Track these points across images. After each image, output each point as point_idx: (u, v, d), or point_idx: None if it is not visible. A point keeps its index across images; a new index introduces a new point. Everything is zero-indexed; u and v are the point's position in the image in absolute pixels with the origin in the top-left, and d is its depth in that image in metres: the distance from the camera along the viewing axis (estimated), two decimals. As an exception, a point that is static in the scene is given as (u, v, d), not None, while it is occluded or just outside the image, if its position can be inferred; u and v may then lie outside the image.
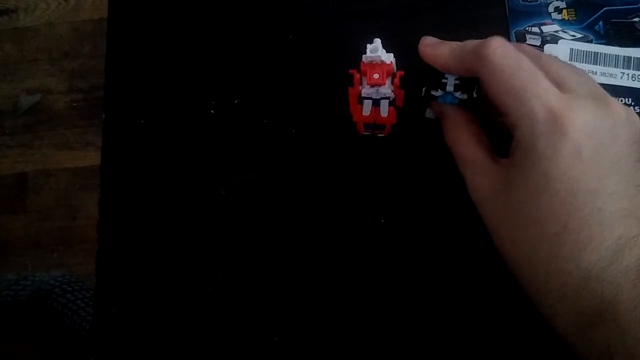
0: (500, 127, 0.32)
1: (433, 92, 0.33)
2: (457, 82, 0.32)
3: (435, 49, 0.32)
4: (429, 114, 0.36)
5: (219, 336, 0.35)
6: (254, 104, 0.39)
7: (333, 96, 0.37)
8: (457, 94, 0.32)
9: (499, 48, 0.29)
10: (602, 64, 0.37)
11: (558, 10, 0.39)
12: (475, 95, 0.32)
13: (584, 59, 0.38)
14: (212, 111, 0.39)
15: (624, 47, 0.38)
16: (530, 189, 0.27)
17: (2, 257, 1.13)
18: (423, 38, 0.33)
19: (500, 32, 0.39)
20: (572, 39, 0.38)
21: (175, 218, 0.37)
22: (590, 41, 0.38)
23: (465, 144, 0.32)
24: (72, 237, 1.14)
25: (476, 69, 0.30)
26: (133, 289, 0.36)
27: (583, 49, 0.38)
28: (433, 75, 0.33)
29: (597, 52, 0.38)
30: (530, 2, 0.39)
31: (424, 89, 0.34)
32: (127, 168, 0.39)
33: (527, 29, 0.38)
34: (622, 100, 0.37)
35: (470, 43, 0.30)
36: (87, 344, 0.70)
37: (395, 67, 0.33)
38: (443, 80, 0.32)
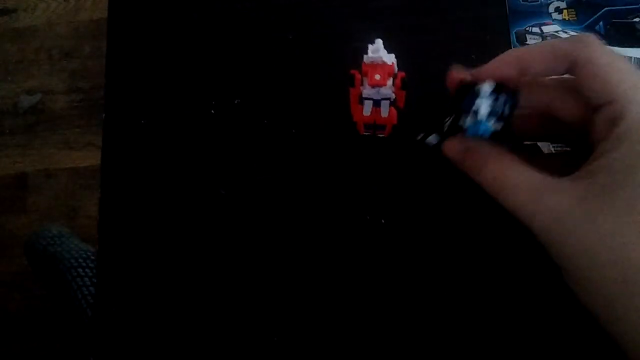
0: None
1: (461, 123, 0.29)
2: (491, 105, 0.28)
3: (514, 50, 0.29)
4: (432, 139, 0.32)
5: (219, 336, 0.35)
6: (254, 104, 0.39)
7: (333, 96, 0.37)
8: (492, 123, 0.28)
9: (597, 42, 0.27)
10: (603, 64, 0.37)
11: (558, 10, 0.39)
12: (509, 121, 0.28)
13: (585, 59, 0.38)
14: (212, 111, 0.39)
15: (624, 47, 0.38)
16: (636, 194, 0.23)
17: (2, 257, 1.13)
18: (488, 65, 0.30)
19: (500, 32, 0.39)
20: (572, 39, 0.38)
21: (176, 218, 0.37)
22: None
23: (512, 168, 0.28)
24: (72, 237, 1.14)
25: (576, 58, 0.27)
26: (133, 289, 0.36)
27: (583, 49, 0.38)
28: (462, 99, 0.29)
29: (598, 53, 0.38)
30: (530, 2, 0.39)
31: (447, 120, 0.30)
32: (127, 168, 0.39)
33: (527, 29, 0.38)
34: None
35: (563, 40, 0.29)
36: (84, 318, 0.72)
37: (396, 68, 0.33)
38: (473, 109, 0.28)
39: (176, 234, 0.37)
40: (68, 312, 0.77)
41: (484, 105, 0.28)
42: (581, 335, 0.32)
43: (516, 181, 0.27)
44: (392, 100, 0.33)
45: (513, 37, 0.38)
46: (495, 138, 0.29)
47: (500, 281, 0.34)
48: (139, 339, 0.36)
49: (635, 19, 0.38)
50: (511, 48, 0.38)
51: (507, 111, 0.28)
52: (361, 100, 0.33)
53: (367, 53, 0.31)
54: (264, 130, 0.38)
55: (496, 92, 0.28)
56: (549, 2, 0.39)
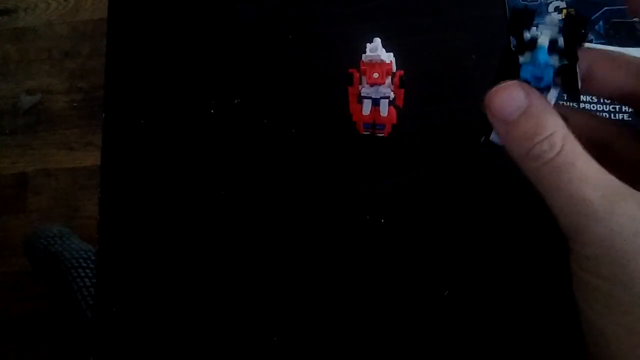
0: None
1: (521, 58, 0.24)
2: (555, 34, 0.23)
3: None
4: (494, 135, 0.25)
5: (219, 336, 0.35)
6: (254, 103, 0.39)
7: (333, 96, 0.37)
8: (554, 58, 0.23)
9: None
10: (602, 64, 0.37)
11: (558, 10, 0.39)
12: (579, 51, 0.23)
13: (584, 59, 0.38)
14: (212, 111, 0.39)
15: (624, 47, 0.38)
16: None
17: (2, 257, 1.13)
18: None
19: (500, 32, 0.39)
20: (572, 39, 0.38)
21: (175, 218, 0.37)
22: (591, 41, 0.38)
23: (583, 157, 0.22)
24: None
25: None
26: (133, 289, 0.36)
27: (583, 49, 0.38)
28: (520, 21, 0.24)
29: (597, 52, 0.38)
30: (530, 2, 0.39)
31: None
32: (127, 168, 0.39)
33: (527, 28, 0.38)
34: (622, 100, 0.37)
35: None
36: (84, 320, 0.73)
37: (394, 67, 0.33)
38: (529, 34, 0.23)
39: (176, 234, 0.37)
40: (68, 312, 0.77)
41: (545, 33, 0.23)
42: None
43: (586, 172, 0.22)
44: (391, 99, 0.33)
45: (513, 37, 0.38)
46: (563, 78, 0.23)
47: (500, 281, 0.34)
48: (139, 339, 0.36)
49: (635, 19, 0.38)
50: (511, 48, 0.38)
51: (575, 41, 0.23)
52: (360, 99, 0.33)
53: (365, 52, 0.32)
54: (263, 130, 0.38)
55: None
56: (548, 1, 0.39)
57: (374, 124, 0.35)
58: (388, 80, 0.32)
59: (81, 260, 0.81)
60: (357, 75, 0.33)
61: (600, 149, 0.25)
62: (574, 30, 0.23)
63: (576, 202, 0.21)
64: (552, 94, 0.24)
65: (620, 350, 0.22)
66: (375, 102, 0.33)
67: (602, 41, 0.38)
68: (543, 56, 0.22)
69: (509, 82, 0.23)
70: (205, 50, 0.40)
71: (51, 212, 1.15)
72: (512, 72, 0.24)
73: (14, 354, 1.08)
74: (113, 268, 0.37)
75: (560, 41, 0.23)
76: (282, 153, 0.38)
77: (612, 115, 0.37)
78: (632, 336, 0.21)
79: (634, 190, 0.21)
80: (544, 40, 0.23)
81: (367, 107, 0.34)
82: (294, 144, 0.38)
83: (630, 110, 0.37)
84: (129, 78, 0.41)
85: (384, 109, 0.34)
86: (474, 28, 0.39)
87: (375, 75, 0.31)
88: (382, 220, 0.36)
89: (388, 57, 0.32)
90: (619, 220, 0.21)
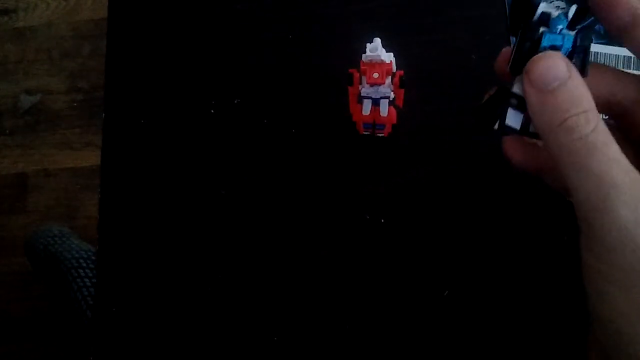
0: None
1: (542, 30, 0.23)
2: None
3: None
4: (511, 119, 0.24)
5: (219, 336, 0.35)
6: (254, 103, 0.39)
7: (333, 96, 0.37)
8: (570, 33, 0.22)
9: None
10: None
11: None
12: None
13: (584, 59, 0.38)
14: (212, 111, 0.39)
15: (624, 46, 0.38)
16: None
17: (2, 257, 1.13)
18: None
19: (500, 32, 0.39)
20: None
21: (175, 218, 0.37)
22: (591, 41, 0.38)
23: (614, 142, 0.21)
24: (72, 237, 1.14)
25: None
26: (133, 289, 0.36)
27: (583, 49, 0.38)
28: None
29: (597, 52, 0.38)
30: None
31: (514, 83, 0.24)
32: (127, 168, 0.39)
33: (527, 28, 0.38)
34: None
35: None
36: (84, 319, 0.73)
37: (394, 67, 0.33)
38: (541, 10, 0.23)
39: (176, 234, 0.37)
40: (68, 312, 0.77)
41: (552, 7, 0.23)
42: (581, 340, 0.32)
43: (620, 156, 0.21)
44: (391, 99, 0.33)
45: (513, 37, 0.38)
46: (583, 34, 0.23)
47: (500, 281, 0.34)
48: (139, 339, 0.36)
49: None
50: (511, 48, 0.38)
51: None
52: (360, 99, 0.33)
53: (365, 52, 0.32)
54: (263, 130, 0.38)
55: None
56: (548, 1, 0.39)
57: (374, 124, 0.35)
58: (388, 80, 0.32)
59: (81, 261, 0.81)
60: (357, 75, 0.33)
61: (617, 116, 0.24)
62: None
63: (604, 183, 0.20)
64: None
65: (634, 339, 0.21)
66: (375, 102, 0.33)
67: (602, 41, 0.38)
68: (561, 24, 0.22)
69: (551, 52, 0.23)
70: (205, 50, 0.40)
71: (51, 212, 1.15)
72: (531, 45, 0.23)
73: (14, 354, 1.08)
74: (113, 268, 0.37)
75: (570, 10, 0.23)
76: (282, 153, 0.38)
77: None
78: None
79: None
80: (555, 12, 0.23)
81: (367, 107, 0.34)
82: (294, 144, 0.38)
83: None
84: (129, 78, 0.41)
85: (384, 109, 0.34)
86: (474, 28, 0.39)
87: (375, 75, 0.31)
88: (382, 220, 0.36)
89: (388, 57, 0.32)
90: None
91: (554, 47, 0.23)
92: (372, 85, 0.32)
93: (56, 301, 0.81)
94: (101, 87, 0.40)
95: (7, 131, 1.22)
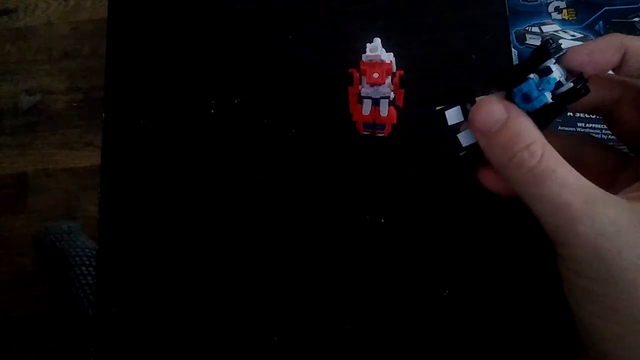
0: None
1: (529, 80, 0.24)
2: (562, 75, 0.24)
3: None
4: (465, 138, 0.27)
5: (219, 336, 0.35)
6: (254, 103, 0.39)
7: (333, 96, 0.37)
8: (548, 95, 0.24)
9: None
10: (602, 64, 0.37)
11: (558, 10, 0.39)
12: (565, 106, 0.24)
13: (584, 59, 0.38)
14: (212, 111, 0.39)
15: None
16: None
17: (2, 257, 1.13)
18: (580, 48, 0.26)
19: (500, 32, 0.39)
20: (572, 39, 0.38)
21: (175, 218, 0.37)
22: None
23: (562, 165, 0.23)
24: (72, 237, 1.14)
25: None
26: (133, 289, 0.36)
27: (583, 49, 0.38)
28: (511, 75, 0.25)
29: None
30: (530, 1, 0.39)
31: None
32: (127, 168, 0.39)
33: (527, 28, 0.38)
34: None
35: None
36: (85, 318, 0.73)
37: (394, 67, 0.33)
38: (544, 66, 0.24)
39: (176, 234, 0.37)
40: (69, 310, 0.77)
41: (557, 70, 0.24)
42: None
43: (566, 182, 0.23)
44: (391, 99, 0.33)
45: (513, 37, 0.38)
46: (540, 114, 0.24)
47: (500, 281, 0.34)
48: (139, 339, 0.36)
49: (635, 19, 0.38)
50: (511, 48, 0.38)
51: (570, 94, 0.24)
52: (360, 99, 0.33)
53: (365, 52, 0.31)
54: (263, 130, 0.38)
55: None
56: (548, 1, 0.39)
57: (374, 124, 0.35)
58: (388, 80, 0.32)
59: (85, 259, 0.81)
60: (357, 75, 0.33)
61: (573, 161, 0.26)
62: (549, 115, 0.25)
63: (559, 208, 0.23)
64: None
65: (615, 348, 0.22)
66: (375, 102, 0.33)
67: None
68: (548, 88, 0.24)
69: (488, 98, 0.25)
70: (205, 50, 0.40)
71: (51, 212, 1.15)
72: (511, 79, 0.25)
73: (14, 354, 1.08)
74: (113, 268, 0.37)
75: (562, 88, 0.25)
76: (282, 153, 0.38)
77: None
78: (624, 331, 0.22)
79: (611, 195, 0.23)
80: (556, 74, 0.24)
81: (367, 107, 0.34)
82: (294, 144, 0.38)
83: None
84: (129, 78, 0.41)
85: (384, 109, 0.34)
86: (474, 28, 0.39)
87: (375, 75, 0.31)
88: (382, 220, 0.36)
89: (388, 57, 0.32)
90: (600, 222, 0.22)
91: (526, 95, 0.24)
92: (372, 85, 0.32)
93: (58, 299, 0.81)
94: (101, 87, 0.40)
95: (7, 131, 1.22)
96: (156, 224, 0.37)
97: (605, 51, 0.25)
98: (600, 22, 0.38)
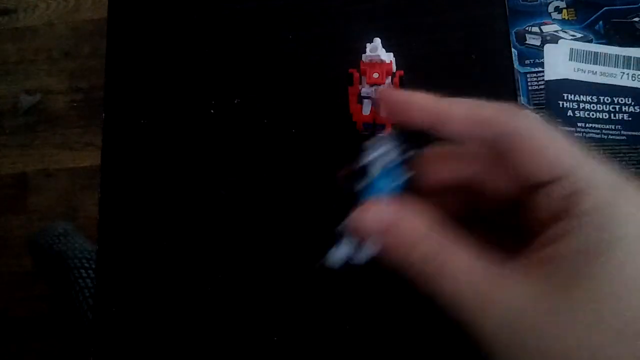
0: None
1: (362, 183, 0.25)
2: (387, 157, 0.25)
3: (438, 105, 0.24)
4: (336, 255, 0.25)
5: (219, 336, 0.35)
6: (254, 103, 0.39)
7: (333, 96, 0.37)
8: (390, 181, 0.25)
9: (526, 113, 0.24)
10: (602, 64, 0.37)
11: (558, 10, 0.39)
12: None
13: (584, 59, 0.38)
14: (212, 111, 0.39)
15: (624, 46, 0.38)
16: (609, 286, 0.19)
17: (2, 257, 1.13)
18: (386, 92, 0.26)
19: (500, 32, 0.39)
20: (572, 39, 0.38)
21: (175, 218, 0.37)
22: (590, 41, 0.38)
23: (454, 251, 0.23)
24: (72, 237, 1.14)
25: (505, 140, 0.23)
26: (133, 289, 0.36)
27: (583, 49, 0.38)
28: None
29: (597, 52, 0.38)
30: (530, 1, 0.39)
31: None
32: (127, 168, 0.39)
33: (527, 28, 0.38)
34: (621, 100, 0.37)
35: (487, 105, 0.24)
36: (85, 320, 0.73)
37: (394, 67, 0.33)
38: (361, 164, 0.25)
39: (176, 234, 0.37)
40: (69, 312, 0.77)
41: (376, 159, 0.25)
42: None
43: (457, 272, 0.22)
44: (391, 99, 0.33)
45: (513, 37, 0.38)
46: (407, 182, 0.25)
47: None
48: (139, 339, 0.36)
49: (634, 19, 0.38)
50: (511, 48, 0.38)
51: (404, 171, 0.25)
52: (360, 99, 0.33)
53: (365, 52, 0.32)
54: (263, 130, 0.38)
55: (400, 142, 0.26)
56: (548, 1, 0.39)
57: (374, 124, 0.35)
58: (388, 80, 0.32)
59: (84, 261, 0.81)
60: (357, 75, 0.33)
61: (470, 188, 0.26)
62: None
63: (455, 303, 0.22)
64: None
65: None
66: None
67: (602, 41, 0.38)
68: (379, 185, 0.25)
69: (368, 203, 0.26)
70: (205, 50, 0.40)
71: (51, 212, 1.15)
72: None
73: (14, 354, 1.08)
74: (113, 268, 0.37)
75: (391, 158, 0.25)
76: (282, 153, 0.38)
77: (611, 115, 0.37)
78: None
79: (501, 279, 0.22)
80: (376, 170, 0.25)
81: (367, 107, 0.34)
82: (294, 144, 0.38)
83: (630, 110, 0.37)
84: (129, 78, 0.41)
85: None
86: (474, 28, 0.39)
87: (375, 75, 0.31)
88: (382, 220, 0.36)
89: (388, 57, 0.32)
90: (497, 313, 0.21)
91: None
92: (372, 85, 0.32)
93: (57, 301, 0.81)
94: (101, 87, 0.40)
95: (7, 131, 1.22)
96: (156, 224, 0.37)
97: None
98: (600, 22, 0.38)
